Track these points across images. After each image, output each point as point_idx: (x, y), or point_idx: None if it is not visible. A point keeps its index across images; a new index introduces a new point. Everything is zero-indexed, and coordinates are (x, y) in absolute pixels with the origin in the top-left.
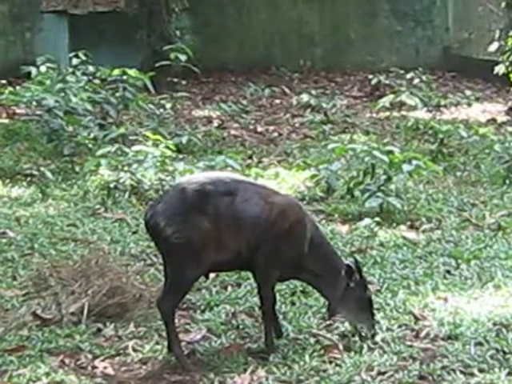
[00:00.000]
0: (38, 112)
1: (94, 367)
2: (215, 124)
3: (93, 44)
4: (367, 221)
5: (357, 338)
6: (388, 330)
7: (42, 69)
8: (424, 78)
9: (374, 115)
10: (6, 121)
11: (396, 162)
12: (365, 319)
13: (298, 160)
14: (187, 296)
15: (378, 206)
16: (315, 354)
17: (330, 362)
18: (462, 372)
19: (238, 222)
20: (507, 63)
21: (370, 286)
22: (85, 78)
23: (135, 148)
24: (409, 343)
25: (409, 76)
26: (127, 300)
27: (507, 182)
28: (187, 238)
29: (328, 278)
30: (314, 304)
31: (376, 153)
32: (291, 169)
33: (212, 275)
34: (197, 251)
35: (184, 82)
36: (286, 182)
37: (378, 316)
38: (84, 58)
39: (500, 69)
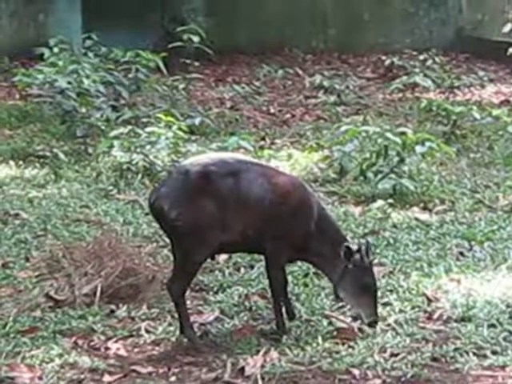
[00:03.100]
0: (51, 93)
1: (107, 348)
2: (228, 105)
3: (106, 25)
4: (380, 202)
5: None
6: (401, 311)
7: (55, 50)
8: (437, 59)
9: (387, 97)
10: (19, 102)
11: (409, 144)
12: (363, 304)
13: (311, 141)
14: (200, 277)
15: (390, 187)
16: (328, 335)
17: (343, 344)
18: (474, 354)
19: (242, 203)
20: None
21: (382, 268)
22: (97, 59)
23: (148, 129)
24: (422, 325)
25: (422, 57)
26: (140, 281)
27: None
28: (192, 220)
29: (333, 260)
30: (326, 286)
31: (389, 134)
32: (304, 150)
33: (224, 257)
34: (202, 233)
35: (197, 64)
36: (298, 163)
37: (391, 298)
38: (97, 39)
39: None
